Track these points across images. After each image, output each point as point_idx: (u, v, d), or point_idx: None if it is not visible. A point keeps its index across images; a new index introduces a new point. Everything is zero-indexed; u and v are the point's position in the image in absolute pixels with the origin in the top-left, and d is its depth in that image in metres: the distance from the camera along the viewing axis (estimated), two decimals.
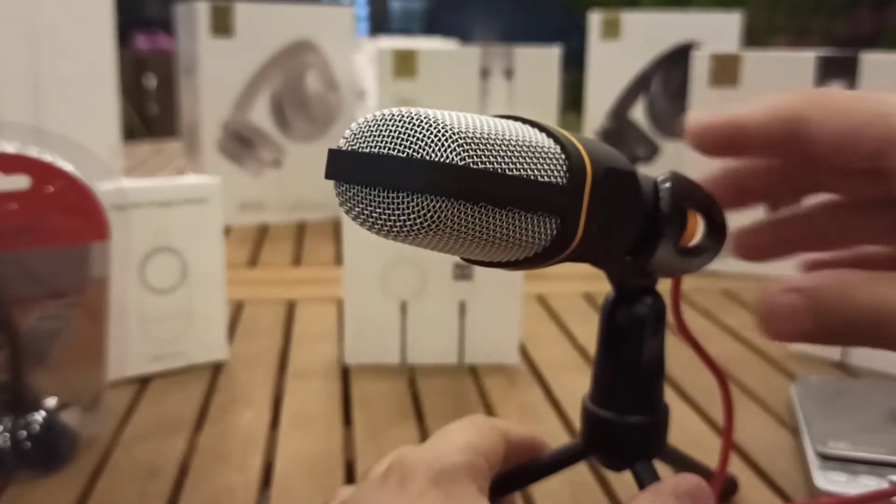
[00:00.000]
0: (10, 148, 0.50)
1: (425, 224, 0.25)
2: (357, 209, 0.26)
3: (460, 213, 0.25)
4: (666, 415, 0.34)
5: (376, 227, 0.26)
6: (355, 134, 0.26)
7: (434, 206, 0.25)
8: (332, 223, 1.20)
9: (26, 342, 0.52)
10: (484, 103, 1.11)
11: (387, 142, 0.26)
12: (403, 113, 0.26)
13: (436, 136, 0.25)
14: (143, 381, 0.64)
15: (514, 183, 0.26)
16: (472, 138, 0.25)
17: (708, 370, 0.36)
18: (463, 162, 0.25)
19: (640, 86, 1.26)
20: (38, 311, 0.53)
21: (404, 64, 1.09)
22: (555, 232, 0.27)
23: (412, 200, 0.25)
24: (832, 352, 0.71)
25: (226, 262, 0.67)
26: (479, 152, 0.25)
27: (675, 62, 1.23)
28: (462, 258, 0.28)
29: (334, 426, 0.59)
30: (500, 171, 0.26)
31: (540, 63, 1.13)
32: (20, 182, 0.51)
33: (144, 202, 0.62)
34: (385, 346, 0.68)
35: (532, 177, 0.26)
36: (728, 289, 0.92)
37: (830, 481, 0.48)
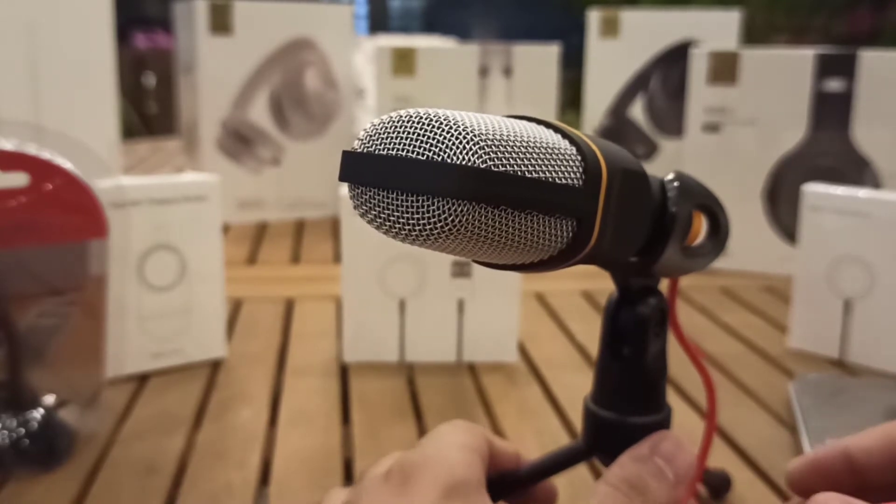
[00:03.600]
0: (8, 145, 0.50)
1: (446, 228, 0.24)
2: (373, 213, 0.26)
3: (481, 216, 0.25)
4: (668, 416, 0.34)
5: (393, 230, 0.25)
6: (370, 135, 0.26)
7: (455, 210, 0.24)
8: (330, 221, 1.20)
9: (25, 339, 0.52)
10: (483, 101, 1.11)
11: (405, 144, 0.25)
12: (421, 114, 0.25)
13: (456, 138, 0.24)
14: (142, 379, 0.64)
15: (533, 185, 0.25)
16: (492, 140, 0.25)
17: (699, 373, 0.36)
18: (484, 165, 0.24)
19: (638, 84, 1.26)
20: (37, 308, 0.53)
21: (403, 62, 1.09)
22: (570, 235, 0.27)
23: (433, 204, 0.24)
24: (830, 349, 0.71)
25: (224, 259, 0.67)
26: (499, 154, 0.25)
27: (674, 60, 1.23)
28: (474, 260, 0.28)
29: (333, 424, 0.59)
30: (519, 173, 0.25)
31: (539, 61, 1.13)
32: (19, 179, 0.51)
33: (143, 200, 0.62)
34: (384, 344, 0.68)
35: (550, 179, 0.26)
36: (727, 287, 0.92)
37: None
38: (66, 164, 0.52)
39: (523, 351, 0.72)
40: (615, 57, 1.26)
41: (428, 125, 0.25)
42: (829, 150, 0.93)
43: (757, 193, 0.96)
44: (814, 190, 0.71)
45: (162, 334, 0.65)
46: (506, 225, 0.25)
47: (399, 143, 0.25)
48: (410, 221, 0.25)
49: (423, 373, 0.67)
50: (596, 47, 1.27)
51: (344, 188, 0.66)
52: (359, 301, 0.67)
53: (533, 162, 0.26)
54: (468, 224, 0.25)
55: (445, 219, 0.24)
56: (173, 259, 0.64)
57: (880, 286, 0.68)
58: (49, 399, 0.54)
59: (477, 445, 0.31)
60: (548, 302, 0.86)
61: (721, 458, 0.55)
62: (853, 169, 0.92)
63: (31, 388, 0.53)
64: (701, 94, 0.96)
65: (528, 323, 0.77)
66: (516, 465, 0.35)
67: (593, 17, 1.26)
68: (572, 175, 0.26)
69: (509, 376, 0.67)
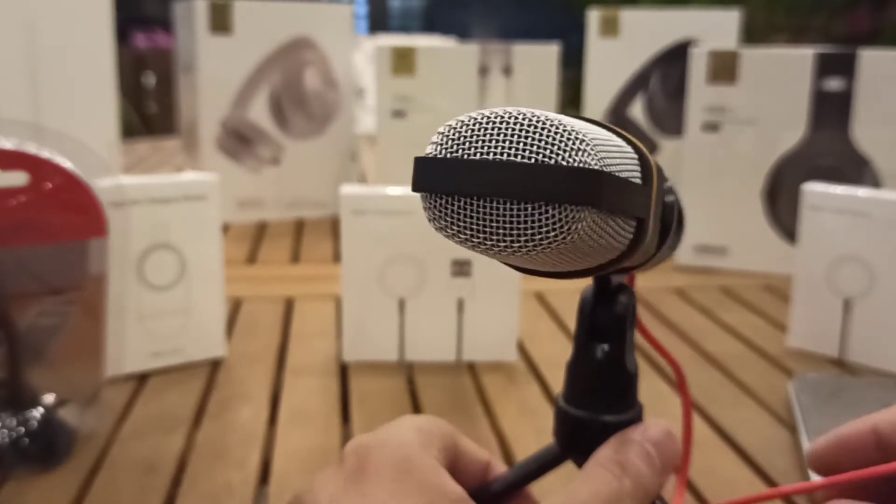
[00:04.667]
0: (8, 144, 0.50)
1: (558, 237, 0.22)
2: (460, 225, 0.23)
3: (587, 222, 0.22)
4: (641, 412, 0.33)
5: (488, 243, 0.23)
6: (451, 138, 0.23)
7: (570, 217, 0.22)
8: (330, 220, 1.20)
9: (25, 339, 0.52)
10: (482, 101, 1.11)
11: (503, 147, 0.22)
12: (514, 114, 0.23)
13: (566, 138, 0.22)
14: (142, 378, 0.64)
15: (626, 187, 0.24)
16: (592, 140, 0.23)
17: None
18: (597, 166, 0.22)
19: (638, 83, 1.26)
20: (37, 307, 0.53)
21: (403, 61, 1.09)
22: (630, 236, 0.25)
23: (545, 212, 0.22)
24: (830, 349, 0.71)
25: (224, 259, 0.67)
26: (602, 155, 0.23)
27: (674, 60, 1.23)
28: (520, 268, 0.25)
29: (332, 423, 0.59)
30: (616, 174, 0.23)
31: (538, 60, 1.13)
32: (19, 178, 0.51)
33: (143, 199, 0.62)
34: (383, 344, 0.68)
35: (631, 179, 0.24)
36: (726, 286, 0.92)
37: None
38: (66, 164, 0.52)
39: (523, 350, 0.72)
40: (615, 56, 1.26)
41: (528, 125, 0.22)
42: (829, 150, 0.93)
43: (756, 193, 0.96)
44: (813, 189, 0.71)
45: (161, 333, 0.65)
46: (598, 229, 0.23)
47: (496, 146, 0.22)
48: (513, 232, 0.22)
49: (422, 372, 0.67)
50: (596, 47, 1.27)
51: (348, 188, 0.66)
52: (358, 300, 0.67)
53: (618, 162, 0.24)
54: (576, 231, 0.22)
55: (560, 227, 0.22)
56: (173, 258, 0.64)
57: (880, 285, 0.68)
58: (49, 398, 0.54)
59: (437, 432, 0.31)
60: (547, 301, 0.86)
61: (720, 458, 0.55)
62: (853, 168, 0.92)
63: (30, 387, 0.53)
64: (700, 94, 0.96)
65: (527, 322, 0.77)
66: (485, 472, 0.34)
67: (593, 17, 1.26)
68: (636, 175, 0.25)
69: (509, 376, 0.67)
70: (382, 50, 1.09)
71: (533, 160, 0.22)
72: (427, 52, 1.10)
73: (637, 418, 0.33)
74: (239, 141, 1.19)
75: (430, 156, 0.23)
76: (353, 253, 0.66)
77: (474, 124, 0.23)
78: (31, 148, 0.51)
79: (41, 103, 0.93)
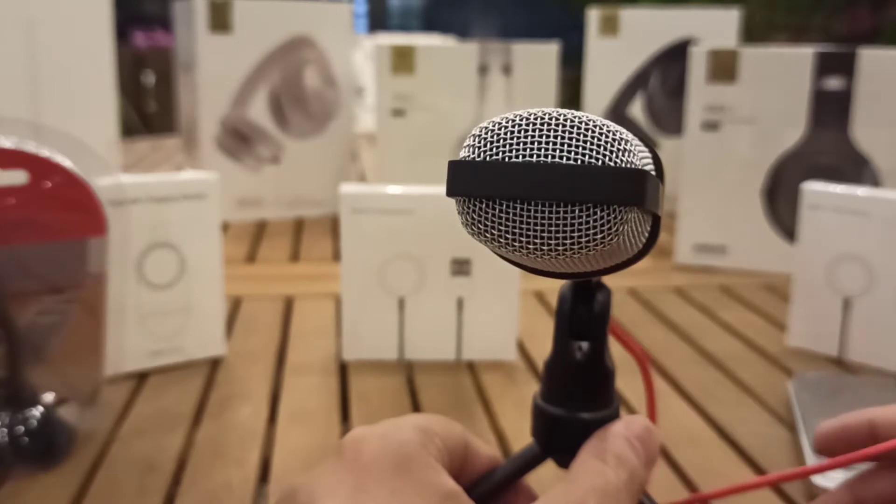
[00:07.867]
0: (8, 143, 0.50)
1: (605, 239, 0.21)
2: (501, 229, 0.22)
3: (631, 223, 0.22)
4: (618, 410, 0.33)
5: (530, 247, 0.22)
6: (491, 141, 0.22)
7: (617, 218, 0.21)
8: (329, 219, 1.20)
9: (24, 337, 0.52)
10: (482, 100, 1.11)
11: (547, 148, 0.22)
12: (553, 115, 0.22)
13: (611, 139, 0.22)
14: (141, 377, 0.64)
15: (658, 186, 0.23)
16: (633, 140, 0.22)
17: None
18: (640, 165, 0.22)
19: (638, 82, 1.26)
20: (36, 306, 0.53)
21: (403, 60, 1.09)
22: (647, 235, 0.25)
23: (593, 213, 0.21)
24: (829, 348, 0.71)
25: (224, 257, 0.67)
26: (641, 155, 0.22)
27: (674, 59, 1.23)
28: (528, 268, 0.25)
29: (332, 422, 0.59)
30: (650, 171, 0.23)
31: (538, 59, 1.13)
32: (18, 177, 0.51)
33: (142, 198, 0.62)
34: (383, 343, 0.68)
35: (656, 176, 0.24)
36: (726, 285, 0.92)
37: (827, 478, 0.48)
38: (66, 162, 0.52)
39: (522, 349, 0.72)
40: (614, 55, 1.26)
41: (571, 126, 0.22)
42: (829, 149, 0.93)
43: (756, 192, 0.96)
44: (813, 188, 0.71)
45: (161, 332, 0.65)
46: (633, 229, 0.23)
47: (538, 148, 0.22)
48: (558, 235, 0.22)
49: (422, 371, 0.67)
50: (595, 46, 1.27)
51: (348, 186, 0.66)
52: (358, 299, 0.67)
53: (647, 161, 0.24)
54: (623, 232, 0.22)
55: (608, 229, 0.21)
56: (173, 257, 0.64)
57: (879, 284, 0.68)
58: (48, 397, 0.54)
59: (440, 432, 0.31)
60: (547, 300, 0.86)
61: (720, 457, 0.55)
62: (852, 167, 0.92)
63: (30, 385, 0.53)
64: (700, 93, 0.96)
65: (527, 321, 0.77)
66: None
67: (593, 16, 1.26)
68: (653, 173, 0.25)
69: (508, 374, 0.67)
70: (382, 49, 1.09)
71: (580, 161, 0.21)
72: (426, 51, 1.10)
73: (615, 415, 0.32)
74: (238, 140, 1.19)
75: (467, 159, 0.22)
76: (353, 252, 0.66)
77: (513, 126, 0.22)
78: (31, 146, 0.51)
79: (41, 102, 0.93)
